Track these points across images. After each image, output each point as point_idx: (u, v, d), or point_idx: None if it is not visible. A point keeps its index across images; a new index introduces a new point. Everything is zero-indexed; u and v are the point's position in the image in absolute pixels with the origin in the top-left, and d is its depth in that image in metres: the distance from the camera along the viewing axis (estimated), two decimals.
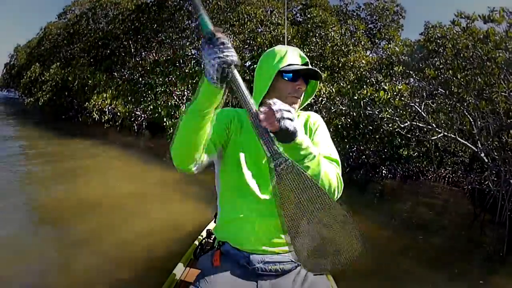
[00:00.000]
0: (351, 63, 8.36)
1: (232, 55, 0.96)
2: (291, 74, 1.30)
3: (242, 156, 1.31)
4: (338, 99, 7.83)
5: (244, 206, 1.29)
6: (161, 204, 5.83)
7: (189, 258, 2.56)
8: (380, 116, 7.06)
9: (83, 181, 6.33)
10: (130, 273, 3.50)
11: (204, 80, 1.00)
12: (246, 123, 1.34)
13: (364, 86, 7.71)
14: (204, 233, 2.78)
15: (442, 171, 11.91)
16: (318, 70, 1.32)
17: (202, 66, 1.02)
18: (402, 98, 7.28)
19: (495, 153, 7.26)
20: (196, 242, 2.75)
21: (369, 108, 7.21)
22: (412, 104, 7.52)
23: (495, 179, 7.70)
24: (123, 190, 6.32)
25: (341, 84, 8.48)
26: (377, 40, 10.50)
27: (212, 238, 2.57)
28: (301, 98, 1.35)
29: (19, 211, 4.79)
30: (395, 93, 6.77)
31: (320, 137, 1.38)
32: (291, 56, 1.32)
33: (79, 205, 5.19)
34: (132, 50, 11.84)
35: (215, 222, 3.03)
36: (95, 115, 10.04)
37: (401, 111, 7.64)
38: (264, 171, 1.23)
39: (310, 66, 1.34)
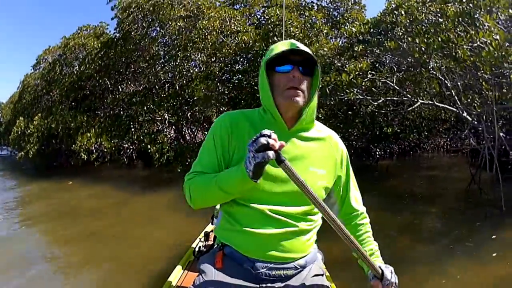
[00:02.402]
0: (314, 53, 8.31)
1: (266, 155, 1.01)
2: (284, 66, 1.24)
3: None
4: None
5: (251, 218, 1.26)
6: (156, 219, 6.03)
7: (187, 261, 2.57)
8: (347, 98, 6.98)
9: (83, 216, 6.53)
10: (129, 277, 3.65)
11: (242, 169, 1.10)
12: (250, 128, 1.30)
13: (329, 72, 7.67)
14: (202, 237, 2.84)
15: (439, 140, 11.70)
16: (304, 48, 1.23)
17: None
18: (372, 77, 7.22)
19: (478, 109, 7.10)
20: (193, 245, 2.77)
21: (337, 94, 7.15)
22: (384, 80, 7.44)
23: (487, 135, 7.50)
24: (118, 214, 6.54)
25: None
26: (342, 26, 10.44)
27: (210, 240, 2.69)
28: (304, 88, 1.24)
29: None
30: (357, 73, 6.69)
31: (352, 181, 1.46)
32: (280, 46, 1.25)
33: (79, 236, 5.37)
34: (109, 86, 12.07)
35: (212, 224, 3.04)
36: (83, 155, 10.20)
37: (374, 90, 7.56)
38: (273, 183, 1.24)
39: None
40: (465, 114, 7.13)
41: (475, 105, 7.05)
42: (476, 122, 7.16)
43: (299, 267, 1.32)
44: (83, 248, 4.73)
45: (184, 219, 5.66)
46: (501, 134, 6.50)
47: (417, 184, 8.38)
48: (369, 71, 7.15)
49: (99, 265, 4.02)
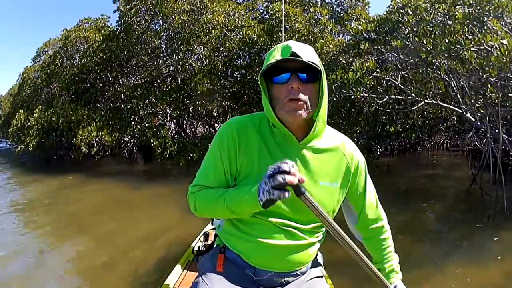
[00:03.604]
0: (319, 50, 8.31)
1: (281, 194, 0.98)
2: (281, 76, 1.13)
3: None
4: None
5: (261, 228, 1.23)
6: (156, 214, 6.09)
7: (186, 261, 2.57)
8: (353, 96, 7.00)
9: (80, 207, 6.64)
10: (127, 277, 3.64)
11: (254, 196, 1.07)
12: (260, 143, 1.22)
13: (335, 69, 7.66)
14: (201, 236, 2.78)
15: (438, 138, 11.75)
16: (302, 52, 1.11)
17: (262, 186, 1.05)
18: (377, 75, 7.22)
19: (482, 111, 7.14)
20: (193, 245, 2.78)
21: (342, 91, 7.16)
22: (388, 78, 7.46)
23: (491, 136, 7.55)
24: (115, 209, 6.60)
25: None
26: (346, 22, 10.41)
27: (210, 240, 2.62)
28: (305, 98, 1.13)
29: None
30: (363, 71, 6.69)
31: (370, 190, 1.40)
32: (276, 52, 1.14)
33: (77, 225, 5.54)
34: (110, 79, 11.98)
35: (212, 224, 3.03)
36: (84, 149, 10.15)
37: (378, 88, 7.56)
38: (287, 202, 1.20)
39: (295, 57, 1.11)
40: (468, 114, 7.17)
41: (478, 106, 7.09)
42: (479, 123, 7.20)
43: (300, 274, 1.32)
44: (81, 246, 4.70)
45: (184, 216, 5.67)
46: (503, 135, 6.53)
47: (418, 182, 8.45)
48: (374, 69, 7.16)
49: (96, 265, 4.00)
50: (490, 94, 6.58)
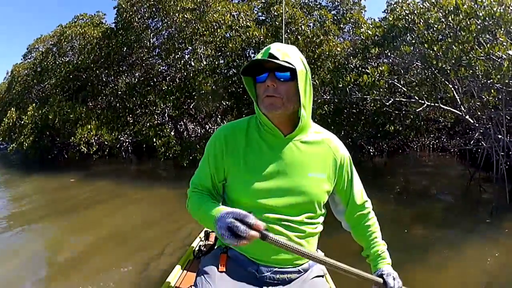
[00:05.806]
0: (327, 53, 8.53)
1: (231, 242, 1.03)
2: (261, 75, 1.23)
3: (250, 175, 1.28)
4: (321, 89, 8.01)
5: None
6: (154, 215, 5.97)
7: (186, 261, 2.54)
8: (365, 98, 7.28)
9: (80, 212, 6.34)
10: (127, 277, 3.64)
11: (216, 222, 1.09)
12: (245, 141, 1.31)
13: (345, 73, 7.91)
14: (202, 236, 2.79)
15: (425, 139, 12.25)
16: (280, 53, 1.20)
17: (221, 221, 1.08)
18: (383, 78, 7.52)
19: (479, 113, 7.59)
20: (194, 245, 2.74)
21: (354, 94, 7.43)
22: (391, 81, 7.77)
23: (483, 137, 8.02)
24: (115, 207, 6.49)
25: (321, 74, 8.66)
26: (342, 25, 10.70)
27: (210, 239, 2.61)
28: (282, 94, 1.22)
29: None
30: (378, 75, 6.97)
31: (356, 182, 1.46)
32: (259, 56, 1.24)
33: (75, 226, 5.40)
34: (104, 78, 11.64)
35: None
36: (83, 148, 9.82)
37: (384, 90, 7.86)
38: (276, 198, 1.26)
39: (272, 59, 1.20)
40: (467, 117, 7.60)
41: (476, 108, 7.54)
42: (477, 125, 7.65)
43: (302, 270, 1.35)
44: (80, 247, 4.55)
45: (183, 216, 5.70)
46: (499, 136, 6.99)
47: (415, 181, 8.78)
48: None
49: (94, 266, 3.93)
50: (490, 98, 7.02)
